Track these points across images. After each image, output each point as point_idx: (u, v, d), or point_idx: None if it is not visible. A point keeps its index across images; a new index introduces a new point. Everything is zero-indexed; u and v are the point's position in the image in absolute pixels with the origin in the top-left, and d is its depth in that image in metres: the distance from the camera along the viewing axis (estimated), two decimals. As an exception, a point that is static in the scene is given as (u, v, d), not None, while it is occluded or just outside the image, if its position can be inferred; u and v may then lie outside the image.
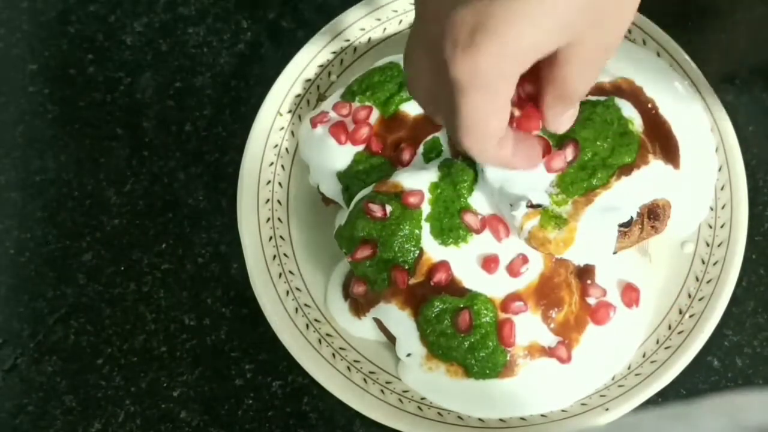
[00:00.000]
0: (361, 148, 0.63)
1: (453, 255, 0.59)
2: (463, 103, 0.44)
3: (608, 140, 0.59)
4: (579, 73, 0.46)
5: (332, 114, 0.64)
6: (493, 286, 0.59)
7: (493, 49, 0.42)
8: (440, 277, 0.58)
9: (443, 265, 0.59)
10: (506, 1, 0.41)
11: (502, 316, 0.58)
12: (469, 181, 0.60)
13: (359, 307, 0.62)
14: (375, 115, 0.64)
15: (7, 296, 0.66)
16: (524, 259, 0.59)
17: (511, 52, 0.42)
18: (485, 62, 0.42)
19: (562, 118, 0.50)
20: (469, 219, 0.59)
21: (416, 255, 0.59)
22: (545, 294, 0.59)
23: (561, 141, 0.59)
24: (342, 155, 0.63)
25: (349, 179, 0.63)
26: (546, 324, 0.59)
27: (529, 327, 0.59)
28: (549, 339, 0.59)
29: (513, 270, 0.59)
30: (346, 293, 0.62)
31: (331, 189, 0.64)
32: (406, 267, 0.59)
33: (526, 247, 0.59)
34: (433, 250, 0.59)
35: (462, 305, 0.58)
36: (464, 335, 0.58)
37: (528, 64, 0.43)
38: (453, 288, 0.59)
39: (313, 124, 0.64)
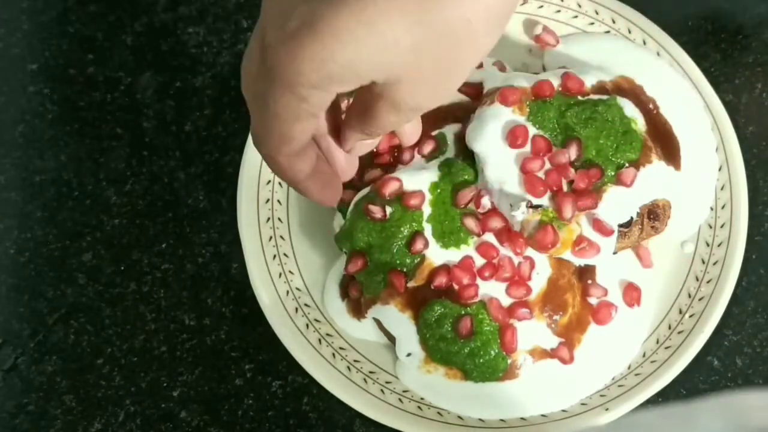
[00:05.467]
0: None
1: (454, 258, 0.59)
2: (271, 96, 0.43)
3: (611, 138, 0.59)
4: (385, 114, 0.45)
5: (332, 114, 0.64)
6: (500, 294, 0.58)
7: (312, 53, 0.41)
8: (441, 280, 0.58)
9: (444, 268, 0.58)
10: (342, 11, 0.40)
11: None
12: (470, 180, 0.60)
13: (358, 307, 0.61)
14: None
15: (7, 296, 0.66)
16: (531, 263, 0.59)
17: (328, 60, 0.41)
18: (301, 62, 0.41)
19: (357, 144, 0.50)
20: (469, 221, 0.59)
21: (415, 259, 0.59)
22: (551, 299, 0.59)
23: (564, 140, 0.59)
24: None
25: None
26: (550, 328, 0.59)
27: (532, 332, 0.58)
28: (551, 341, 0.59)
29: (522, 276, 0.58)
30: (344, 292, 0.62)
31: (331, 189, 0.63)
32: (404, 270, 0.59)
33: (529, 250, 0.59)
34: (434, 252, 0.59)
35: (463, 312, 0.58)
36: (465, 341, 0.57)
37: (342, 84, 0.42)
38: (454, 292, 0.58)
39: (313, 124, 0.64)
